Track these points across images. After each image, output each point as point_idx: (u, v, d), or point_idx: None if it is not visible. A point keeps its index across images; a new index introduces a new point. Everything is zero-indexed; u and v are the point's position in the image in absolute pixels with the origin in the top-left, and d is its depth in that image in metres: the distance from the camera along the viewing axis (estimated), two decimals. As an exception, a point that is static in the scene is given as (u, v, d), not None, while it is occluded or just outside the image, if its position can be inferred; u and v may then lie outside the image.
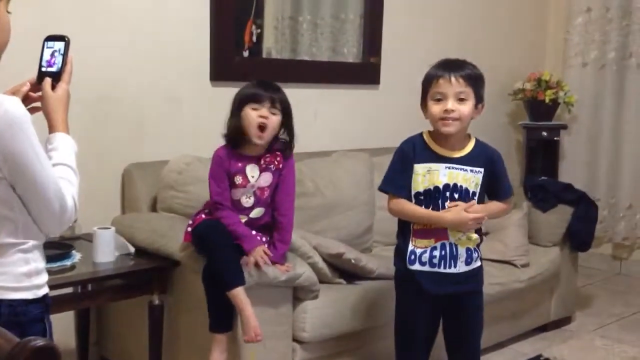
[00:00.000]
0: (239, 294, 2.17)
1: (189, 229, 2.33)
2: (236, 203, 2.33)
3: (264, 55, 3.35)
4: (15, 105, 1.26)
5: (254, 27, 3.25)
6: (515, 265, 3.15)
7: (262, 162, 2.34)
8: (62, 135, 1.44)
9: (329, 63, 3.59)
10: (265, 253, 2.26)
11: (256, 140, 2.28)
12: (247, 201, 2.34)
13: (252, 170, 2.33)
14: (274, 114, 2.28)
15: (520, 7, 4.48)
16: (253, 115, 2.26)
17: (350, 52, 3.67)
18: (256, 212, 2.36)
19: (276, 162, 2.36)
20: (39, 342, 0.91)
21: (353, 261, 2.60)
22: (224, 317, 2.25)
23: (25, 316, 1.34)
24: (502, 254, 3.16)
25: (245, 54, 3.22)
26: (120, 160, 2.83)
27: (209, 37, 3.06)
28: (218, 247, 2.22)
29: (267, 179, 2.35)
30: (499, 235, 3.23)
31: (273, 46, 3.41)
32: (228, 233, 2.26)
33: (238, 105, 2.30)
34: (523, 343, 3.32)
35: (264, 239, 2.36)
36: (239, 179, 2.32)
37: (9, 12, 1.36)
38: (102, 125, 2.78)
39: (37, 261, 1.39)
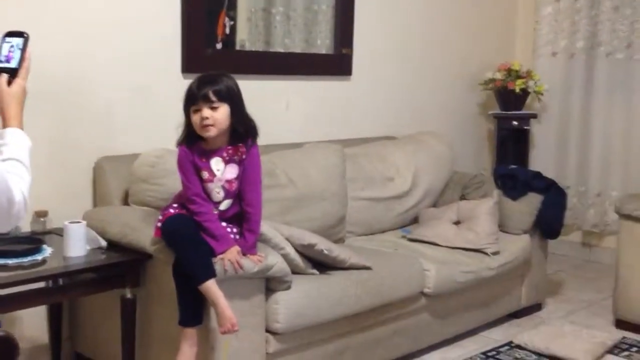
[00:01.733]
0: (210, 287, 2.18)
1: (159, 224, 2.33)
2: (208, 198, 2.34)
3: (238, 47, 3.34)
4: None
5: (227, 19, 3.24)
6: (486, 254, 3.19)
7: (225, 154, 2.34)
8: (14, 130, 1.42)
9: (301, 55, 3.59)
10: (238, 255, 2.27)
11: (206, 135, 2.28)
12: (217, 196, 2.35)
13: (216, 164, 2.33)
14: (214, 108, 2.26)
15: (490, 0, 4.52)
16: (195, 118, 2.27)
17: (324, 43, 3.68)
18: (224, 205, 2.37)
19: (239, 153, 2.35)
20: None
21: (325, 252, 2.62)
22: (194, 311, 2.26)
23: None
24: (473, 242, 3.20)
25: (219, 45, 3.21)
26: (91, 154, 2.81)
27: (180, 28, 3.04)
28: (186, 242, 2.22)
29: (232, 171, 2.35)
30: (470, 223, 3.27)
31: (247, 38, 3.41)
32: (196, 227, 2.26)
33: (184, 107, 2.31)
34: (494, 330, 3.37)
35: (234, 230, 2.37)
36: (205, 174, 2.32)
37: None
38: (72, 119, 2.76)
39: None
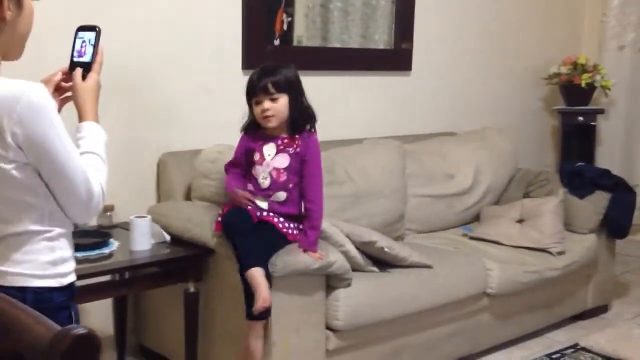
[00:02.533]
0: (254, 274, 2.18)
1: (219, 218, 2.36)
2: (255, 184, 2.39)
3: (295, 44, 3.34)
4: (38, 91, 1.26)
5: (284, 15, 3.25)
6: (551, 253, 3.11)
7: (280, 142, 2.38)
8: (90, 124, 1.45)
9: (360, 50, 3.57)
10: (245, 197, 2.34)
11: (267, 125, 2.36)
12: (263, 182, 2.38)
13: (269, 149, 2.39)
14: (274, 99, 2.32)
15: (555, -9, 4.40)
16: (257, 109, 2.35)
17: (381, 38, 3.64)
18: (278, 196, 2.38)
19: (295, 145, 2.38)
20: (80, 330, 0.92)
21: (385, 249, 2.60)
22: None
23: (50, 303, 1.35)
24: (537, 241, 3.12)
25: (276, 42, 3.22)
26: (155, 150, 2.86)
27: (240, 26, 3.06)
28: (238, 233, 2.27)
29: (282, 160, 2.37)
30: (535, 222, 3.19)
31: (304, 34, 3.41)
32: (249, 218, 2.30)
33: (247, 98, 2.39)
34: (559, 332, 3.29)
35: (291, 225, 2.39)
36: (256, 155, 2.40)
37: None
38: (137, 116, 2.81)
39: (64, 249, 1.39)
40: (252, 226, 2.29)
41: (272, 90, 2.32)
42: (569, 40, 4.54)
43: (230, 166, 2.49)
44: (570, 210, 3.34)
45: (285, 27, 3.26)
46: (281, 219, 2.37)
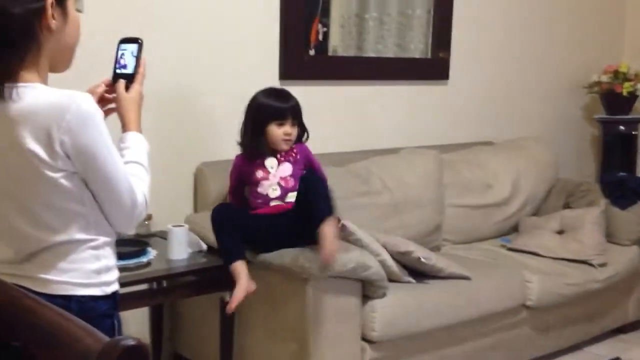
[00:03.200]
0: (236, 267, 2.30)
1: None
2: (264, 197, 2.47)
3: (330, 53, 3.35)
4: (87, 101, 1.28)
5: (320, 25, 3.25)
6: (592, 265, 3.05)
7: (279, 155, 2.50)
8: (134, 134, 1.47)
9: (396, 59, 3.55)
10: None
11: (282, 148, 2.49)
12: (274, 192, 2.47)
13: (270, 162, 2.49)
14: (294, 125, 2.49)
15: (596, -1, 4.33)
16: (279, 132, 2.47)
17: (417, 47, 3.62)
18: (290, 197, 2.45)
19: (293, 154, 2.52)
20: (129, 341, 0.92)
21: (422, 260, 2.58)
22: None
23: (94, 312, 1.36)
24: (578, 253, 3.06)
25: (311, 52, 3.23)
26: (193, 160, 2.88)
27: (278, 36, 3.07)
28: (218, 228, 2.37)
29: (286, 168, 2.50)
30: (575, 233, 3.13)
31: (339, 44, 3.40)
32: (234, 214, 2.41)
33: (261, 121, 2.48)
34: (600, 345, 3.22)
35: None
36: (260, 173, 2.48)
37: (78, 11, 1.40)
38: (175, 125, 2.84)
39: (108, 258, 1.40)
40: (232, 221, 2.37)
41: (296, 116, 2.49)
42: (610, 48, 4.45)
43: (233, 200, 2.59)
44: (612, 221, 3.27)
45: (320, 37, 3.26)
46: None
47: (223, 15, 2.92)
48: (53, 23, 1.32)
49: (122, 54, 1.53)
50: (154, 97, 2.69)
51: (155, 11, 2.72)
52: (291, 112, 2.49)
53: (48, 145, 1.26)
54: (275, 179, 2.48)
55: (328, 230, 2.19)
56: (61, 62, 1.39)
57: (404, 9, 3.56)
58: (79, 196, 1.33)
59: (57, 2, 1.32)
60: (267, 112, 2.48)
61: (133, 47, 1.53)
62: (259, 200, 2.49)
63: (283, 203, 2.47)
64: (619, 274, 3.12)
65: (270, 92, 2.55)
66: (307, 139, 2.58)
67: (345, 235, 2.43)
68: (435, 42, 3.61)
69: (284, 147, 2.48)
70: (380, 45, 3.53)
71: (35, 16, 1.29)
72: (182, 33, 2.81)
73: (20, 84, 1.29)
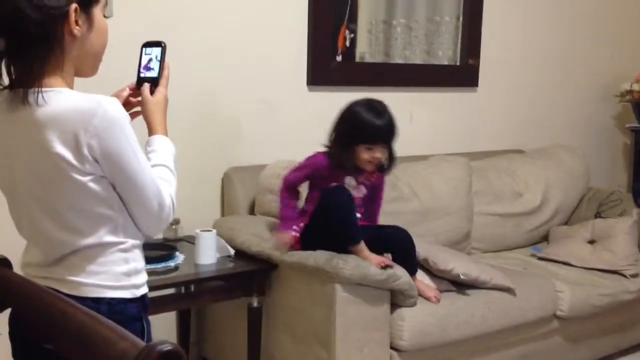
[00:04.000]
0: (362, 248, 2.32)
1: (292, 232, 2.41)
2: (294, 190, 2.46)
3: (357, 60, 3.33)
4: (114, 105, 1.28)
5: (347, 31, 3.24)
6: (624, 276, 2.98)
7: (361, 177, 2.45)
8: (160, 138, 1.46)
9: (425, 66, 3.53)
10: (289, 243, 2.37)
11: (366, 169, 2.42)
12: None
13: (349, 181, 2.43)
14: (384, 149, 2.39)
15: (627, 6, 4.26)
16: (365, 156, 2.37)
17: (445, 54, 3.60)
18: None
19: (373, 179, 2.48)
20: (167, 346, 0.90)
21: (462, 277, 2.53)
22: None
23: (123, 315, 1.35)
24: (610, 263, 3.00)
25: (339, 58, 3.22)
26: (221, 164, 2.88)
27: (306, 42, 3.07)
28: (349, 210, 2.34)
29: (361, 191, 2.47)
30: (607, 243, 3.07)
31: (366, 50, 3.39)
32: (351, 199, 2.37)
33: (351, 137, 2.37)
34: (632, 357, 3.16)
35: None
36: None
37: (105, 17, 1.39)
38: (203, 130, 2.84)
39: (137, 261, 1.40)
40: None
41: (388, 140, 2.38)
42: (642, 56, 4.39)
43: (287, 192, 2.47)
44: (645, 231, 3.21)
45: (347, 43, 3.25)
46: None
47: (251, 22, 2.92)
48: (77, 29, 1.31)
49: (146, 58, 1.53)
50: (182, 103, 2.72)
51: (184, 17, 2.74)
52: (383, 136, 2.38)
53: (76, 149, 1.26)
54: None
55: (420, 284, 2.44)
56: (87, 67, 1.39)
57: (432, 15, 3.54)
58: (107, 199, 1.33)
59: (82, 8, 1.31)
60: (362, 131, 2.37)
61: (157, 50, 1.52)
62: None
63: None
64: (652, 285, 3.06)
65: (371, 109, 2.39)
66: (392, 167, 2.49)
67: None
68: (464, 48, 3.58)
69: (369, 168, 2.42)
70: (408, 51, 3.51)
71: (58, 22, 1.28)
72: (209, 38, 2.81)
73: (45, 89, 1.28)
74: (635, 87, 4.07)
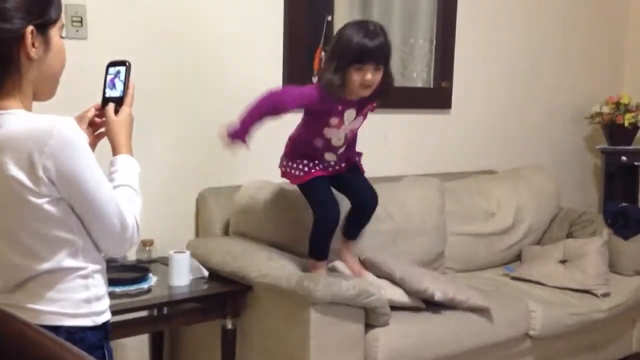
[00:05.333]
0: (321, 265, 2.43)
1: (295, 172, 2.43)
2: (327, 142, 2.38)
3: (333, 81, 3.35)
4: (69, 125, 1.26)
5: (323, 53, 3.27)
6: (595, 295, 3.02)
7: (359, 107, 2.35)
8: (124, 157, 1.45)
9: (399, 88, 3.56)
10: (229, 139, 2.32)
11: (361, 94, 2.28)
12: (337, 142, 2.40)
13: (349, 114, 2.34)
14: (377, 70, 2.24)
15: (597, 30, 4.36)
16: (357, 78, 2.23)
17: (420, 76, 3.65)
18: (342, 150, 2.46)
19: (370, 107, 2.41)
20: None
21: (437, 297, 2.54)
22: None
23: (83, 343, 1.32)
24: (581, 282, 3.04)
25: (314, 79, 3.24)
26: (195, 185, 2.88)
27: (282, 64, 3.09)
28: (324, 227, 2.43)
29: (358, 122, 2.41)
30: (579, 263, 3.11)
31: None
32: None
33: (342, 61, 2.22)
34: (604, 376, 3.18)
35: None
36: (334, 121, 2.33)
37: (62, 37, 1.38)
38: (178, 150, 2.84)
39: (98, 287, 1.37)
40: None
41: (380, 62, 2.22)
42: (612, 79, 4.48)
43: (267, 107, 2.30)
44: (615, 251, 3.25)
45: (323, 65, 3.27)
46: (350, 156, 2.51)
47: (228, 43, 2.94)
48: (33, 51, 1.29)
49: (111, 77, 1.52)
50: (157, 123, 2.72)
51: (160, 37, 2.74)
52: (372, 55, 2.19)
53: (31, 171, 1.24)
54: (346, 130, 2.37)
55: (349, 256, 2.54)
56: (44, 89, 1.37)
57: (406, 38, 3.59)
58: (65, 222, 1.30)
59: (39, 30, 1.30)
60: (351, 52, 2.19)
61: (121, 69, 1.51)
62: (318, 142, 2.37)
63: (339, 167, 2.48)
64: (622, 304, 3.10)
65: (362, 26, 2.24)
66: (389, 92, 2.35)
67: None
68: (437, 71, 3.64)
69: (363, 93, 2.25)
70: (383, 73, 3.55)
71: (14, 44, 1.27)
72: (186, 59, 2.82)
73: (1, 111, 1.27)
74: (605, 109, 4.15)
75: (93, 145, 1.49)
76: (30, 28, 1.28)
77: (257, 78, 3.02)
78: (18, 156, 1.24)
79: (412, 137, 3.59)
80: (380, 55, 2.23)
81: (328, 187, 2.45)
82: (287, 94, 2.37)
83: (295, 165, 2.43)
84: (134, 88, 1.51)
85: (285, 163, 2.48)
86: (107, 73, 1.53)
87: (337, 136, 2.38)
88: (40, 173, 1.24)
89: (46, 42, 1.33)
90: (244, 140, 2.32)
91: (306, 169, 2.41)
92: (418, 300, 2.57)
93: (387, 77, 2.31)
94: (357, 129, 2.46)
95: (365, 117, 2.43)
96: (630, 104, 4.12)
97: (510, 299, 2.85)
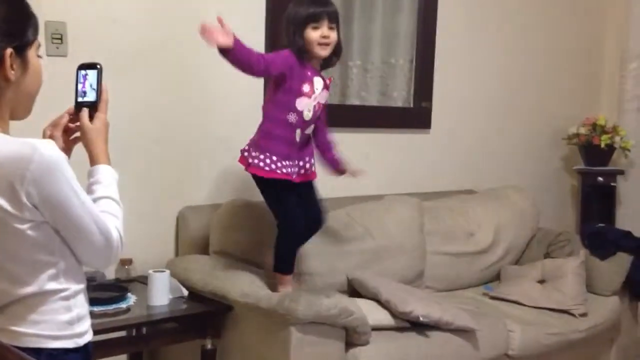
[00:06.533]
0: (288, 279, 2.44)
1: (260, 163, 2.37)
2: (299, 115, 2.36)
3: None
4: (49, 149, 1.25)
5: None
6: (573, 315, 3.05)
7: (322, 79, 2.40)
8: (103, 167, 1.43)
9: (380, 108, 3.59)
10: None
11: (321, 53, 2.35)
12: (307, 114, 2.38)
13: (317, 83, 2.38)
14: (331, 28, 2.34)
15: (574, 52, 4.43)
16: (315, 35, 2.32)
17: (400, 96, 3.68)
18: (309, 129, 2.44)
19: (329, 82, 2.45)
20: None
21: (421, 319, 2.54)
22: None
23: None
24: (559, 302, 3.07)
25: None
26: (175, 204, 2.86)
27: (263, 82, 3.09)
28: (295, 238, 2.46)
29: (324, 96, 2.42)
30: (556, 283, 3.14)
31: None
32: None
33: (298, 27, 2.33)
34: (582, 396, 3.20)
35: (311, 161, 2.49)
36: (307, 87, 2.36)
37: (39, 57, 1.37)
38: (157, 169, 2.82)
39: (79, 307, 1.36)
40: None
41: (333, 18, 2.34)
42: (588, 101, 4.55)
43: (257, 54, 2.28)
44: (592, 271, 3.29)
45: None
46: (312, 162, 2.49)
47: (210, 61, 2.93)
48: (11, 74, 1.29)
49: (82, 81, 1.47)
50: (136, 140, 2.71)
51: (141, 56, 2.74)
52: (327, 16, 2.33)
53: (13, 197, 1.22)
54: (315, 101, 2.38)
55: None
56: (21, 109, 1.36)
57: (387, 57, 3.62)
58: (47, 246, 1.29)
59: (17, 52, 1.29)
60: (303, 16, 2.32)
61: (92, 73, 1.47)
62: (291, 117, 2.35)
63: (312, 167, 2.48)
64: (600, 324, 3.12)
65: (309, 0, 2.37)
66: (339, 55, 2.43)
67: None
68: (417, 91, 3.67)
69: (322, 52, 2.34)
70: (364, 92, 3.57)
71: None
72: (167, 75, 2.82)
73: None
74: (582, 130, 4.21)
75: (68, 150, 1.47)
76: (9, 51, 1.27)
77: (239, 94, 3.02)
78: None
79: (392, 156, 3.61)
80: (332, 13, 2.36)
81: (295, 193, 2.43)
82: (276, 58, 2.35)
83: (264, 157, 2.36)
84: (107, 92, 1.47)
85: (253, 154, 2.39)
86: (77, 76, 1.48)
87: (307, 107, 2.36)
88: (24, 199, 1.23)
89: (24, 63, 1.32)
90: (223, 50, 2.24)
91: (278, 164, 2.34)
92: (403, 322, 2.57)
93: (339, 39, 2.41)
94: (324, 104, 2.45)
95: (328, 89, 2.44)
96: (606, 126, 4.19)
97: (490, 319, 2.86)
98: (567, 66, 4.41)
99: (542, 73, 4.26)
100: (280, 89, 2.37)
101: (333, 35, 2.35)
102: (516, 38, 4.09)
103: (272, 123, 2.39)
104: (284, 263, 2.46)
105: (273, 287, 2.43)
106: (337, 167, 2.60)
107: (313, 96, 2.37)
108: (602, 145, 4.12)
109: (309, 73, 2.36)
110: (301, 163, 2.43)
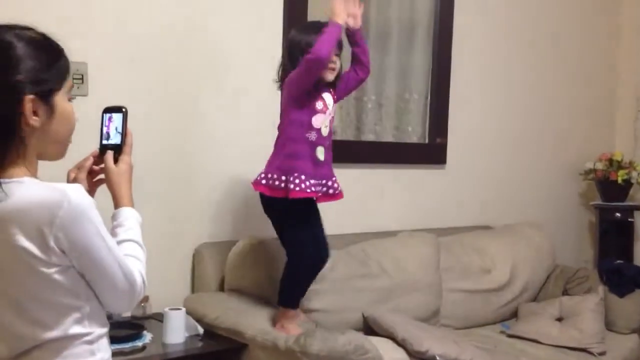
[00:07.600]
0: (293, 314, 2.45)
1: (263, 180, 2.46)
2: (317, 133, 2.43)
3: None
4: (78, 194, 1.26)
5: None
6: (592, 354, 3.01)
7: (333, 93, 2.49)
8: (127, 210, 1.44)
9: (395, 144, 3.60)
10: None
11: (329, 77, 2.44)
12: (324, 130, 2.45)
13: (327, 97, 2.47)
14: (337, 55, 2.44)
15: (590, 87, 4.45)
16: None
17: (415, 130, 3.69)
18: (329, 144, 2.50)
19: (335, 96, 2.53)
20: None
21: (438, 358, 2.51)
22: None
23: None
24: (577, 341, 3.03)
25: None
26: (191, 241, 2.88)
27: (273, 120, 3.12)
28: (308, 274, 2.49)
29: (334, 110, 2.51)
30: (574, 321, 3.10)
31: (338, 125, 3.45)
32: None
33: (302, 51, 2.39)
34: None
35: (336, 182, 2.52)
36: (320, 104, 2.44)
37: (71, 99, 1.37)
38: (174, 206, 2.85)
39: (103, 351, 1.36)
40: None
41: (338, 47, 2.42)
42: (604, 136, 4.55)
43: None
44: (611, 309, 3.25)
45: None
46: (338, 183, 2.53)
47: (225, 104, 2.97)
48: (33, 120, 1.28)
49: (107, 125, 1.50)
50: (153, 177, 2.74)
51: (159, 89, 2.77)
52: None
53: (42, 242, 1.23)
54: (329, 116, 2.47)
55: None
56: (51, 153, 1.36)
57: (402, 92, 3.64)
58: (73, 289, 1.30)
59: (41, 98, 1.29)
60: (310, 45, 2.35)
61: (118, 116, 1.49)
62: (311, 136, 2.42)
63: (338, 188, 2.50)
64: (619, 363, 3.08)
65: (309, 28, 2.46)
66: (338, 76, 2.50)
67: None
68: (432, 127, 3.68)
69: (330, 77, 2.44)
70: (379, 127, 3.59)
71: (14, 114, 1.26)
72: (187, 117, 2.85)
73: (5, 180, 1.26)
74: (599, 165, 4.20)
75: (92, 192, 1.48)
76: (29, 97, 1.27)
77: (252, 131, 3.04)
78: (28, 227, 1.23)
79: (408, 192, 3.61)
80: (338, 42, 2.43)
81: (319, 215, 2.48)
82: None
83: (293, 178, 2.38)
84: (132, 136, 1.49)
85: (276, 177, 2.43)
86: (103, 119, 1.50)
87: (324, 123, 2.44)
88: (52, 244, 1.24)
89: (50, 109, 1.32)
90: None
91: (307, 183, 2.37)
92: (419, 360, 2.55)
93: (341, 64, 2.52)
94: (333, 119, 2.53)
95: (336, 101, 2.53)
96: (623, 161, 4.17)
97: (507, 358, 2.83)
98: (582, 102, 4.42)
99: (558, 108, 4.27)
100: (295, 109, 2.44)
101: (338, 62, 2.46)
102: (531, 74, 4.11)
103: (294, 143, 2.44)
104: (290, 296, 2.46)
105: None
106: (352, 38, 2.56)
107: (327, 112, 2.46)
108: (619, 181, 4.10)
109: (321, 90, 2.46)
110: (329, 183, 2.48)
